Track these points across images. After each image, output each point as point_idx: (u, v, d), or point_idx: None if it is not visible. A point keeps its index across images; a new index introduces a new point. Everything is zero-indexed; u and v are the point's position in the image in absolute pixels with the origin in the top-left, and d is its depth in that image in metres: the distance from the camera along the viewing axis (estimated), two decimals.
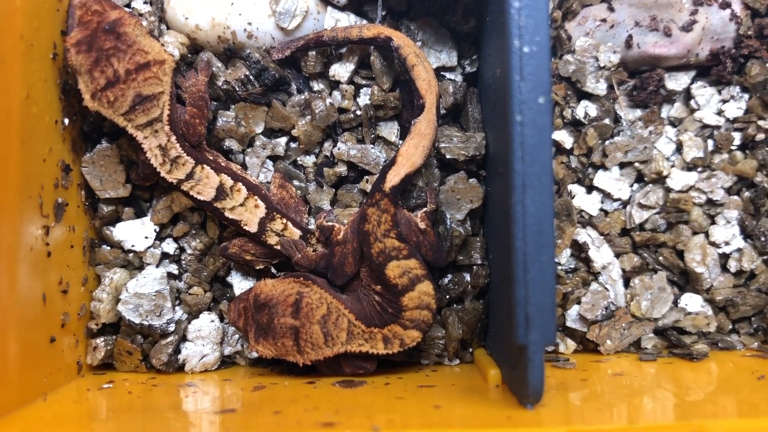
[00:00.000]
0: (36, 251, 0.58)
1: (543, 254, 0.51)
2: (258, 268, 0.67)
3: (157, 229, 0.69)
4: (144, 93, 0.60)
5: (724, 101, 0.72)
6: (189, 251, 0.69)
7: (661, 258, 0.71)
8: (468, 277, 0.67)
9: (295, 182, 0.68)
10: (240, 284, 0.69)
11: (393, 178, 0.62)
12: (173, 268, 0.70)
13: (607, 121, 0.71)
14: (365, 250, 0.62)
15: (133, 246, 0.68)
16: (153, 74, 0.60)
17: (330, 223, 0.64)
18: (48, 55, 0.61)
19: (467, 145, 0.66)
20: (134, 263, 0.69)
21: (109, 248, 0.69)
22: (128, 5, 0.68)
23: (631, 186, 0.72)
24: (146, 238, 0.69)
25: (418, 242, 0.63)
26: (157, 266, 0.69)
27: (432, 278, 0.62)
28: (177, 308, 0.69)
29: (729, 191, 0.71)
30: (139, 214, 0.70)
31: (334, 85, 0.68)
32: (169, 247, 0.69)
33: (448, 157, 0.66)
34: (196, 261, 0.69)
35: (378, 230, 0.61)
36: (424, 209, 0.65)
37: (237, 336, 0.69)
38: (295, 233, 0.65)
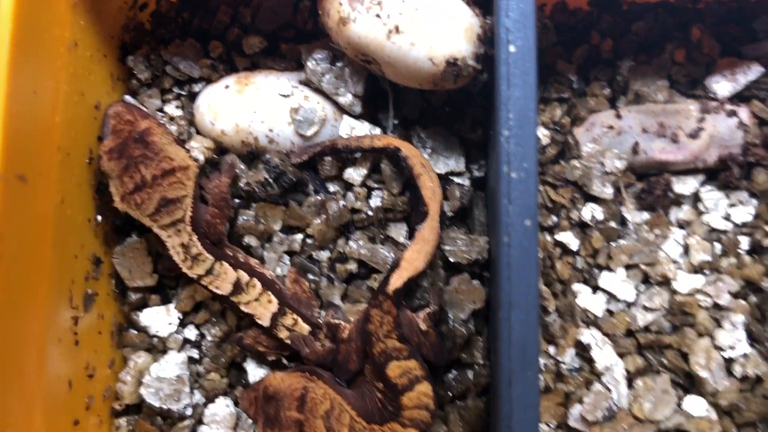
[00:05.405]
0: (64, 341, 0.64)
1: (527, 371, 0.53)
2: (270, 359, 0.71)
3: (181, 317, 0.74)
4: (168, 196, 0.65)
5: (732, 205, 0.73)
6: (209, 338, 0.73)
7: (665, 360, 0.72)
8: (471, 375, 0.70)
9: (310, 276, 0.72)
10: (255, 371, 0.72)
11: (396, 282, 0.65)
12: (194, 353, 0.74)
13: (613, 224, 0.73)
14: (368, 349, 0.65)
15: (157, 332, 0.73)
16: (177, 179, 0.66)
17: (336, 321, 0.68)
18: (84, 161, 0.67)
19: (470, 248, 0.69)
20: (158, 347, 0.74)
21: (135, 332, 0.74)
22: (161, 110, 0.74)
23: (637, 287, 0.73)
24: (170, 324, 0.73)
25: (419, 343, 0.66)
26: (179, 351, 0.73)
27: (431, 379, 0.65)
28: (195, 392, 0.73)
29: (736, 296, 0.72)
30: (165, 300, 0.74)
31: (348, 187, 0.72)
32: (191, 333, 0.74)
33: (452, 260, 0.69)
34: (216, 347, 0.73)
35: (380, 331, 0.64)
36: (427, 310, 0.68)
37: (250, 421, 0.73)
38: (305, 328, 0.69)
